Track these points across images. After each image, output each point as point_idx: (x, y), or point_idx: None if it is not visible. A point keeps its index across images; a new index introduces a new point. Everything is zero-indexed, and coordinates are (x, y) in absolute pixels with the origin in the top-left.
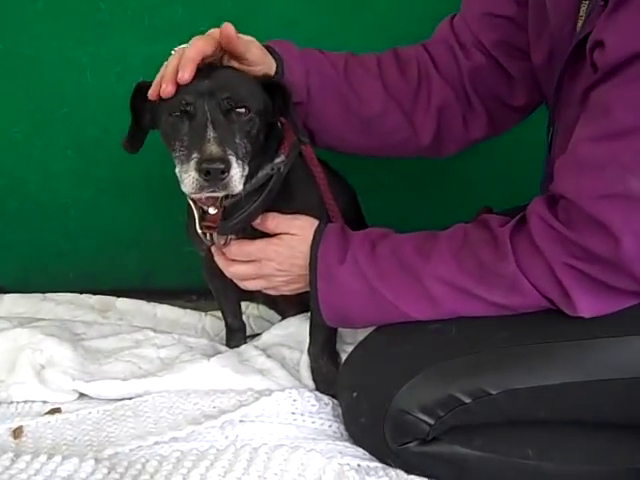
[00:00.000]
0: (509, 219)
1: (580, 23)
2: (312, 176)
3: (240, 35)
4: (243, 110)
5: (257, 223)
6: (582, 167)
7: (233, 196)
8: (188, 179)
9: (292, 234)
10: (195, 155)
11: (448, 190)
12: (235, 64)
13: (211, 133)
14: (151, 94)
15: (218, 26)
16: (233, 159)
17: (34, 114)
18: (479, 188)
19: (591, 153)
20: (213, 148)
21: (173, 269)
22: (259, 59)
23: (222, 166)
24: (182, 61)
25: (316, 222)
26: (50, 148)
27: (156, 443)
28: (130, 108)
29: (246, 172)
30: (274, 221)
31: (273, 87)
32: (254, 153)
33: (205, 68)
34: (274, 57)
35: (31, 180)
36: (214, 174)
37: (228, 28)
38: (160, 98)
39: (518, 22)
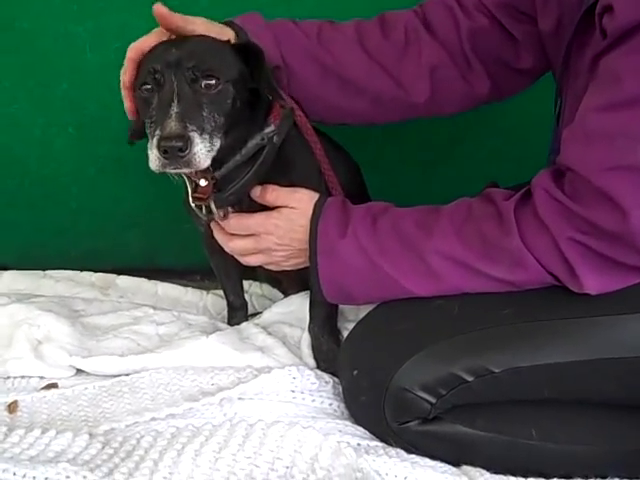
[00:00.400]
0: (514, 193)
1: None
2: (309, 147)
3: (182, 15)
4: (213, 81)
5: (256, 195)
6: (590, 138)
7: (222, 167)
8: (151, 156)
9: (291, 207)
10: (158, 132)
11: (454, 165)
12: None
13: (174, 108)
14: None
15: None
16: (196, 135)
17: (33, 90)
18: (485, 163)
19: (600, 123)
20: (172, 125)
21: (176, 248)
22: (206, 33)
23: (179, 144)
24: (124, 64)
25: (316, 195)
26: (51, 125)
27: (152, 419)
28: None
29: (217, 145)
30: (273, 194)
31: (247, 52)
32: (236, 123)
33: (178, 38)
34: (233, 29)
35: (32, 158)
36: (172, 152)
37: (158, 8)
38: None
39: None
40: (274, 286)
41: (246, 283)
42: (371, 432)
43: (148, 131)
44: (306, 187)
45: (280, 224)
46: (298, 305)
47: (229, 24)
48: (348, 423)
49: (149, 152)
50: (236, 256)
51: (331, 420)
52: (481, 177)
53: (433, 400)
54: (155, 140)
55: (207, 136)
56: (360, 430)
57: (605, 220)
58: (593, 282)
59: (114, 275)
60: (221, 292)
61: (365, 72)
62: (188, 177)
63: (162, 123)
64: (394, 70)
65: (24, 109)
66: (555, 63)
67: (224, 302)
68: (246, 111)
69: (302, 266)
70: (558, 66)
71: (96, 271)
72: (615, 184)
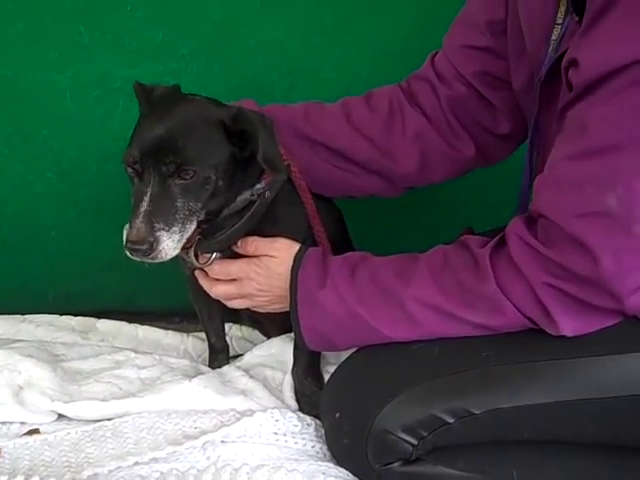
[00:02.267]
0: (489, 240)
1: (553, 45)
2: (299, 201)
3: None
4: (191, 172)
5: (238, 247)
6: (561, 186)
7: (210, 220)
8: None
9: (271, 256)
10: (126, 227)
11: (432, 211)
12: None
13: (144, 206)
14: None
15: (199, 49)
16: (163, 233)
17: (13, 137)
18: (463, 209)
19: (569, 172)
20: (138, 227)
21: (155, 291)
22: None
23: (144, 247)
24: None
25: (296, 245)
26: (30, 171)
27: (136, 464)
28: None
29: (191, 229)
30: (253, 244)
31: (242, 129)
32: (221, 192)
33: (169, 98)
34: None
35: (11, 202)
36: (136, 254)
37: None
38: None
39: (497, 52)
40: (256, 328)
41: (227, 325)
42: (354, 474)
43: None
44: (291, 238)
45: (260, 271)
46: (279, 348)
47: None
48: (331, 465)
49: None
50: (221, 300)
51: (314, 462)
52: (457, 222)
53: (415, 442)
54: (124, 234)
55: (177, 228)
56: (343, 472)
57: (578, 265)
58: (569, 325)
59: (94, 319)
60: (202, 334)
61: (352, 144)
62: None
63: (131, 220)
64: (381, 142)
65: (3, 155)
66: (529, 116)
67: (205, 344)
68: (237, 174)
69: (286, 309)
70: (530, 118)
71: (75, 314)
72: (586, 230)
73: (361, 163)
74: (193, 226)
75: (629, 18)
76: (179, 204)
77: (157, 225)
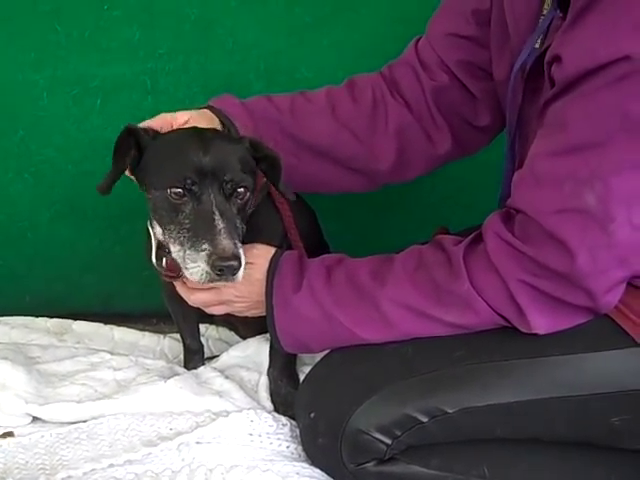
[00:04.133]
0: (463, 239)
1: (538, 39)
2: (274, 205)
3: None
4: (242, 190)
5: None
6: (539, 182)
7: None
8: (197, 270)
9: (248, 262)
10: (206, 247)
11: (407, 211)
12: None
13: (220, 223)
14: None
15: (176, 48)
16: (241, 252)
17: None
18: (437, 209)
19: (548, 168)
20: (226, 244)
21: (132, 292)
22: (198, 124)
23: (236, 263)
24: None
25: (272, 250)
26: (6, 171)
27: (110, 466)
28: (114, 153)
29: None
30: None
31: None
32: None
33: (195, 134)
34: (221, 120)
35: None
36: (227, 271)
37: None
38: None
39: (481, 41)
40: (231, 329)
41: (202, 326)
42: (328, 474)
43: (174, 234)
44: (269, 244)
45: None
46: (255, 349)
47: (208, 108)
48: (306, 465)
49: (190, 264)
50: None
51: (289, 463)
52: (433, 222)
53: (389, 441)
54: (205, 255)
55: (241, 247)
56: (317, 472)
57: (554, 261)
58: (541, 322)
59: (70, 320)
60: (178, 335)
61: (337, 140)
62: (155, 234)
63: (210, 239)
64: (365, 137)
65: None
66: (508, 108)
67: (181, 346)
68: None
69: (264, 314)
70: (512, 110)
71: (52, 316)
72: (563, 227)
73: (344, 161)
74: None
75: (611, 16)
76: (238, 224)
77: (237, 243)
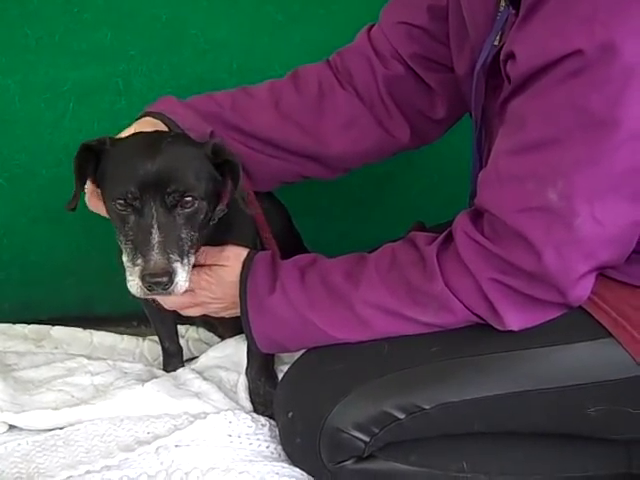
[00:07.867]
0: (437, 236)
1: (497, 36)
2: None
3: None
4: (189, 199)
5: None
6: (502, 181)
7: None
8: (133, 283)
9: (221, 265)
10: (139, 262)
11: (384, 205)
12: None
13: (156, 237)
14: None
15: (147, 49)
16: (178, 265)
17: None
18: (414, 204)
19: (510, 166)
20: (156, 259)
21: (112, 295)
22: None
23: (165, 279)
24: None
25: (244, 251)
26: None
27: (87, 472)
28: (74, 170)
29: (192, 262)
30: (202, 254)
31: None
32: (209, 219)
33: (147, 141)
34: (157, 119)
35: None
36: (157, 287)
37: None
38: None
39: (435, 35)
40: (210, 330)
41: (182, 328)
42: (308, 473)
43: (122, 244)
44: (241, 245)
45: (211, 280)
46: (233, 349)
47: (149, 115)
48: (285, 465)
49: (128, 277)
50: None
51: (268, 463)
52: (410, 216)
53: (367, 439)
54: (138, 270)
55: (186, 259)
56: (297, 471)
57: (521, 260)
58: (515, 319)
59: (48, 326)
60: (157, 338)
61: (282, 132)
62: None
63: (144, 253)
64: (311, 128)
65: None
66: (472, 105)
67: (160, 348)
68: (214, 202)
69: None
70: (477, 107)
71: (30, 322)
72: (527, 225)
73: (294, 150)
74: (193, 259)
75: (561, 11)
76: (184, 234)
77: (172, 256)
